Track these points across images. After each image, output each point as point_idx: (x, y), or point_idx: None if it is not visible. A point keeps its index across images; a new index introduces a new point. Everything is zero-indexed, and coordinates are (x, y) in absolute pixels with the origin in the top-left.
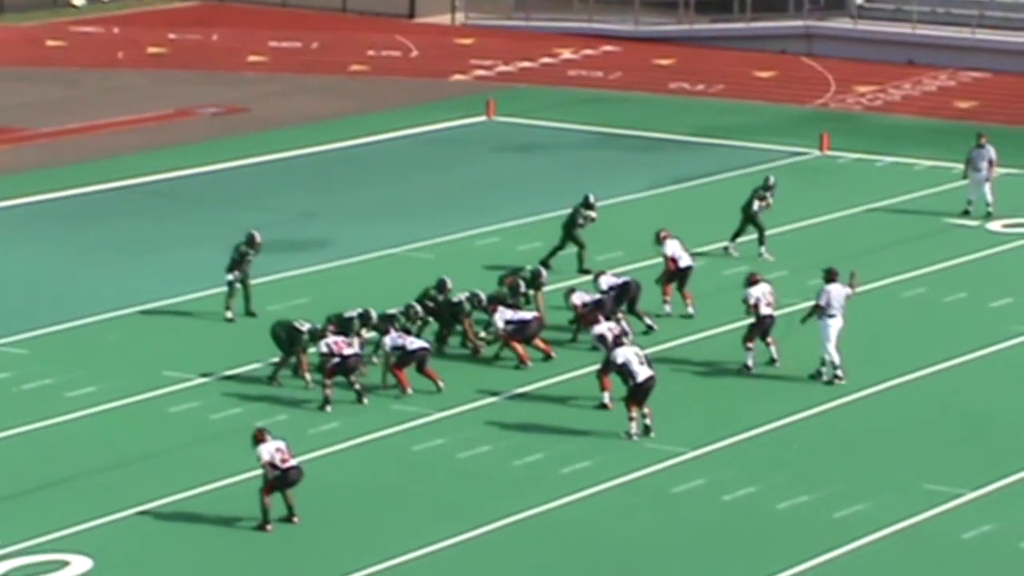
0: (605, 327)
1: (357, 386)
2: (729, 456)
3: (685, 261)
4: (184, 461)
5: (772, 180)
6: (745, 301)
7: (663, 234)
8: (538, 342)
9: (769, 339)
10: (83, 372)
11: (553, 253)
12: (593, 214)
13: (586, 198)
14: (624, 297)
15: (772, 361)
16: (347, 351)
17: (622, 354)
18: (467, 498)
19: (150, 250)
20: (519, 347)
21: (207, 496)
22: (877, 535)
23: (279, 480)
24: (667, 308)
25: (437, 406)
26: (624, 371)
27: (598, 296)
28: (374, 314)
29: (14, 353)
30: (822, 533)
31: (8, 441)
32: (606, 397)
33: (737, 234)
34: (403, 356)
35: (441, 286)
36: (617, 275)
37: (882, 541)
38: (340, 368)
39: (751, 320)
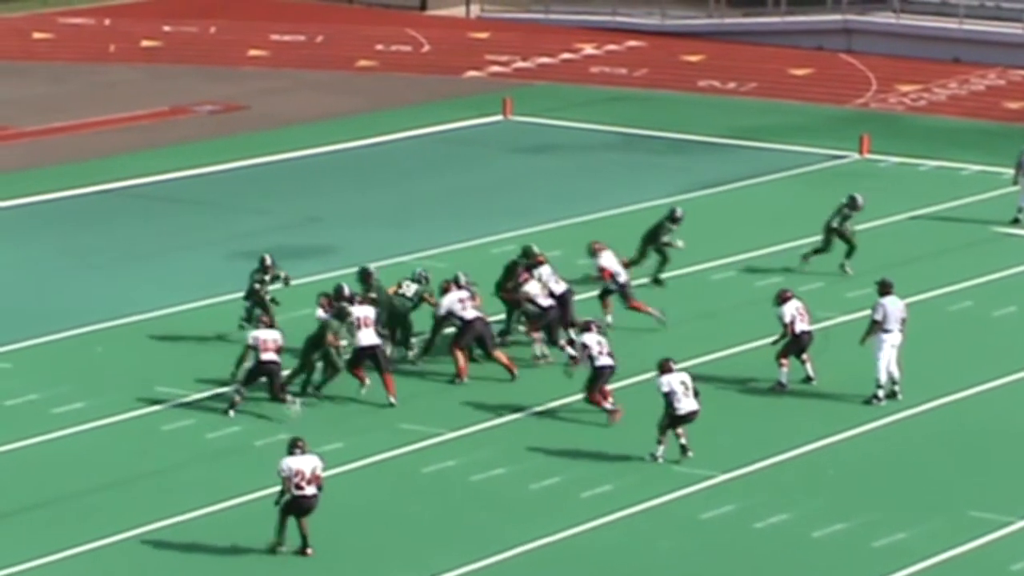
0: (594, 339)
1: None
2: (761, 480)
3: (623, 277)
4: (179, 482)
5: (861, 201)
6: (780, 320)
7: (596, 246)
8: (499, 355)
9: (805, 356)
10: (70, 387)
11: (633, 264)
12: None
13: (672, 211)
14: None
15: (808, 379)
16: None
17: (667, 382)
18: (481, 523)
19: (143, 257)
20: (460, 355)
21: (204, 520)
22: (919, 566)
23: (290, 504)
24: (608, 319)
25: (449, 425)
26: (667, 400)
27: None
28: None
29: None
30: (860, 563)
31: None
32: (609, 403)
33: (819, 251)
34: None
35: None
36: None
37: (924, 572)
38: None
39: (786, 336)
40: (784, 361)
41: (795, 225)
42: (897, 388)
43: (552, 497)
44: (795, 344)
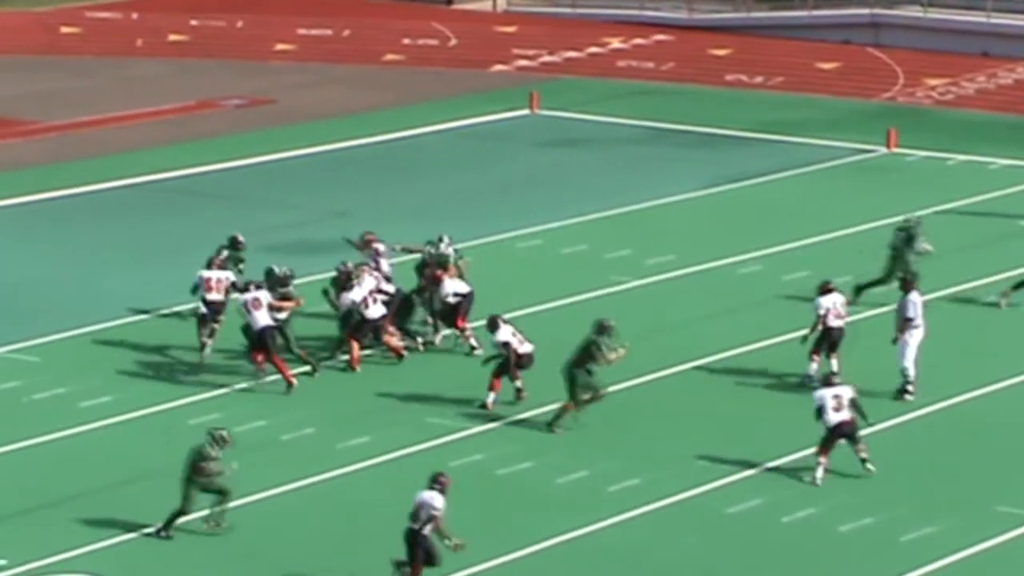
0: (509, 332)
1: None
2: (787, 475)
3: (464, 288)
4: None
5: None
6: (815, 310)
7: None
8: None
9: (834, 353)
10: (98, 381)
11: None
12: (928, 247)
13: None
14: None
15: (832, 374)
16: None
17: (820, 396)
18: (507, 517)
19: (169, 251)
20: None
21: (231, 514)
22: (947, 560)
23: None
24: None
25: (475, 419)
26: (818, 413)
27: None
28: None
29: (24, 360)
30: (888, 558)
31: (18, 454)
32: (490, 398)
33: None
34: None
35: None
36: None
37: (952, 567)
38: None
39: (816, 329)
40: (815, 357)
41: (822, 219)
42: (910, 387)
43: (579, 491)
44: (826, 338)
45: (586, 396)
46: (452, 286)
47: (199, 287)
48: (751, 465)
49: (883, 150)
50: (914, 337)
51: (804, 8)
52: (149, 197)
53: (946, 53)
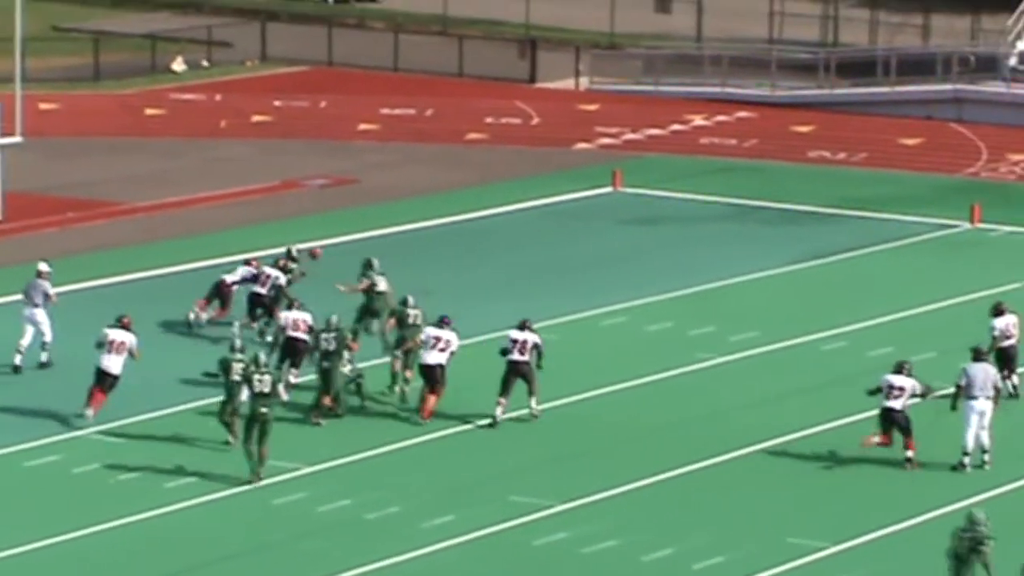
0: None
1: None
2: (876, 552)
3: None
4: (290, 556)
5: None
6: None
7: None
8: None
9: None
10: (183, 462)
11: None
12: None
13: None
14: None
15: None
16: None
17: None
18: None
19: (254, 331)
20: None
21: None
22: None
23: None
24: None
25: (559, 497)
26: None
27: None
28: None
29: (110, 442)
30: None
31: (103, 535)
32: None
33: None
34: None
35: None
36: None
37: None
38: None
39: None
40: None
41: (907, 295)
42: (987, 457)
43: (665, 569)
44: (885, 419)
45: None
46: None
47: (285, 328)
48: (841, 540)
49: (967, 225)
50: (972, 409)
51: (886, 84)
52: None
53: None
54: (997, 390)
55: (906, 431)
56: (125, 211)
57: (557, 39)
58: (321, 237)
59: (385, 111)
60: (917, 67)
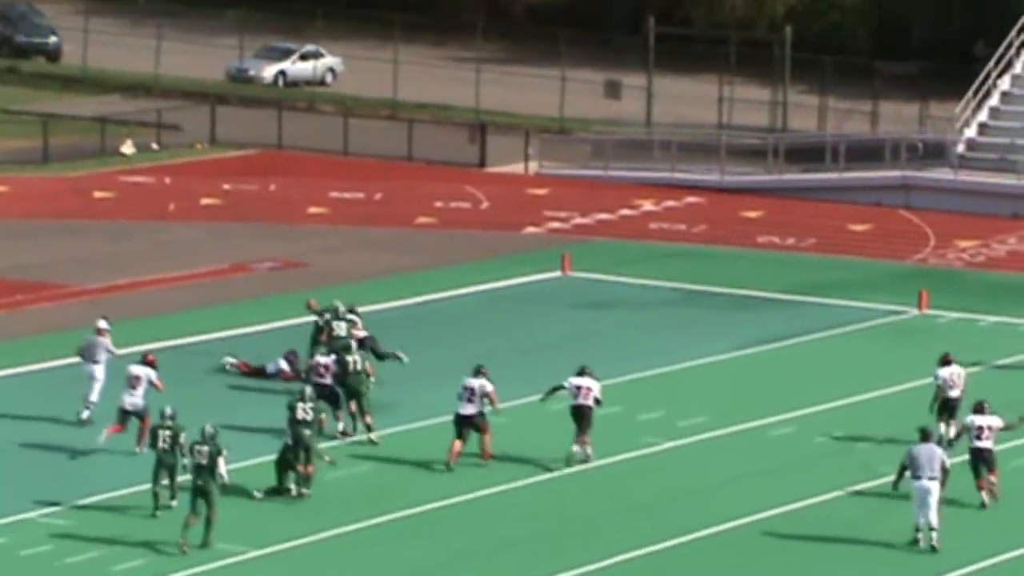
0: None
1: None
2: None
3: None
4: None
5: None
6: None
7: None
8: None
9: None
10: (134, 542)
11: None
12: None
13: None
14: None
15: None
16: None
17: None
18: None
19: (205, 412)
20: None
21: None
22: None
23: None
24: None
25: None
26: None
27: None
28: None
29: (59, 524)
30: None
31: None
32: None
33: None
34: None
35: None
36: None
37: None
38: None
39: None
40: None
41: (855, 380)
42: (934, 536)
43: None
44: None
45: None
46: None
47: (311, 370)
48: None
49: (915, 311)
50: (917, 489)
51: (835, 170)
52: (185, 359)
53: (977, 215)
54: (945, 471)
55: (991, 467)
56: (75, 293)
57: (507, 123)
58: (270, 320)
59: (335, 195)
60: (866, 153)
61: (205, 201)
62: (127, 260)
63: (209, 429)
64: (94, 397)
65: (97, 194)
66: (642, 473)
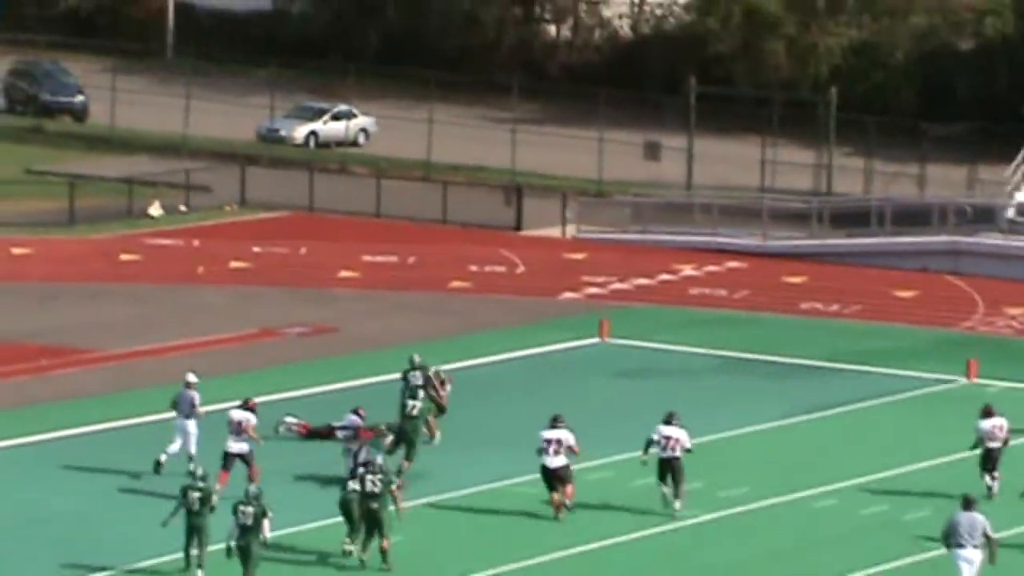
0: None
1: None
2: None
3: None
4: None
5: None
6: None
7: None
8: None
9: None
10: None
11: None
12: None
13: None
14: None
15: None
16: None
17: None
18: None
19: (240, 479)
20: None
21: None
22: None
23: None
24: None
25: None
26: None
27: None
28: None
29: None
30: None
31: None
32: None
33: None
34: None
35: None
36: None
37: None
38: None
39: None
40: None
41: (901, 451)
42: None
43: None
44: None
45: None
46: None
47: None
48: None
49: (963, 380)
50: (959, 557)
51: (881, 235)
52: (211, 427)
53: None
54: (988, 538)
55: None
56: (98, 359)
57: (543, 185)
58: (300, 387)
59: (367, 258)
60: (912, 218)
61: (234, 264)
62: (152, 324)
63: (253, 489)
64: (173, 448)
65: (123, 256)
66: (679, 547)
